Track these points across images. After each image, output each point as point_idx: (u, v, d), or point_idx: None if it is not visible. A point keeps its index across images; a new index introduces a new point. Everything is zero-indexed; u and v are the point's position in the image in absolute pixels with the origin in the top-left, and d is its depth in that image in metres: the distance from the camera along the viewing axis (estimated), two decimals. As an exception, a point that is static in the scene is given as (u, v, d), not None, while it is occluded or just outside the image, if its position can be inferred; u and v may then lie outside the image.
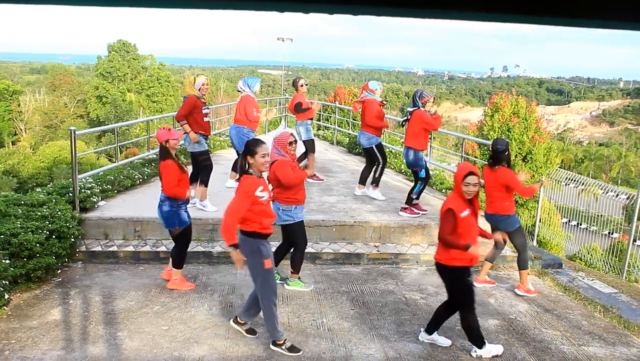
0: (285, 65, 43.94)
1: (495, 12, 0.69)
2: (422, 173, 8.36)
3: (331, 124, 17.37)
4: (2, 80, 61.09)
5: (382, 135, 8.99)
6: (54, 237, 6.63)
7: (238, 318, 5.37)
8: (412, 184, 8.61)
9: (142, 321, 5.59)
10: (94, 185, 8.31)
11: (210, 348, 5.11)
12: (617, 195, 12.95)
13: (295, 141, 6.13)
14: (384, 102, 8.95)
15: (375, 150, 8.87)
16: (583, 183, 13.77)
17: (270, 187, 5.57)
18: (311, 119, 10.12)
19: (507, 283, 7.17)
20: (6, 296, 5.76)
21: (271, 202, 5.37)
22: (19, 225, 6.38)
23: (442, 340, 5.36)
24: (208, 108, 8.05)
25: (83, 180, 8.31)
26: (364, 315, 5.93)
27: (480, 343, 5.11)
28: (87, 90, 65.78)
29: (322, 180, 10.42)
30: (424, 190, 8.60)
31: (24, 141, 55.48)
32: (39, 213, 6.81)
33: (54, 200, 7.38)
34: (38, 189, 8.44)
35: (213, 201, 8.13)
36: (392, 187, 10.31)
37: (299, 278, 6.61)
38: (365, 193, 9.32)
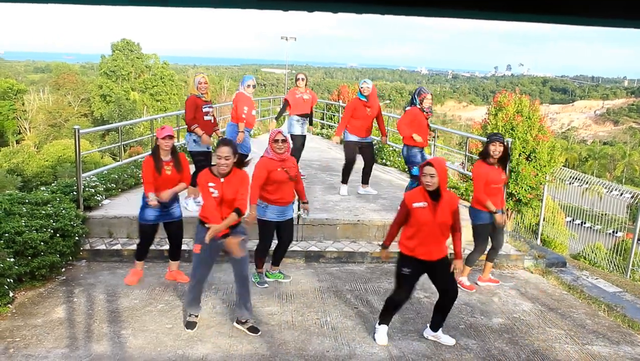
0: (288, 64, 43.94)
1: (499, 11, 0.69)
2: (415, 170, 8.35)
3: (334, 123, 17.36)
4: (7, 79, 61.21)
5: (362, 133, 8.74)
6: (58, 235, 6.65)
7: (239, 318, 5.43)
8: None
9: (146, 319, 5.60)
10: (98, 183, 8.33)
11: (214, 346, 5.12)
12: (622, 194, 12.94)
13: (284, 140, 6.02)
14: (364, 100, 8.66)
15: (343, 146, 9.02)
16: (587, 182, 13.76)
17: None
18: (300, 115, 9.78)
19: (511, 282, 7.16)
20: (11, 294, 5.79)
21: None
22: (24, 224, 6.40)
23: (445, 339, 5.35)
24: (210, 107, 7.97)
25: (87, 178, 8.33)
26: (367, 313, 5.93)
27: (381, 320, 5.33)
28: (91, 89, 65.86)
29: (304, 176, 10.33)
30: None
31: (28, 140, 55.54)
32: (44, 212, 6.83)
33: (58, 199, 7.41)
34: (42, 188, 8.46)
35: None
36: (396, 185, 10.31)
37: (258, 273, 6.64)
38: (368, 192, 9.33)
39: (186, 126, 7.90)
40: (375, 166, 11.75)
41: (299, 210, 7.16)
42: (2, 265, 5.62)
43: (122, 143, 10.41)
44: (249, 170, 5.48)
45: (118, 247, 7.37)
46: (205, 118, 7.82)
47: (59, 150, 40.56)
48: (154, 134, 9.92)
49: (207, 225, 5.08)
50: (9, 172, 36.01)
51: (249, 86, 8.74)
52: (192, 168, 7.87)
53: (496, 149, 6.31)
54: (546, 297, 6.75)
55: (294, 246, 7.59)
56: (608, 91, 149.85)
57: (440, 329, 5.38)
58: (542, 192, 14.05)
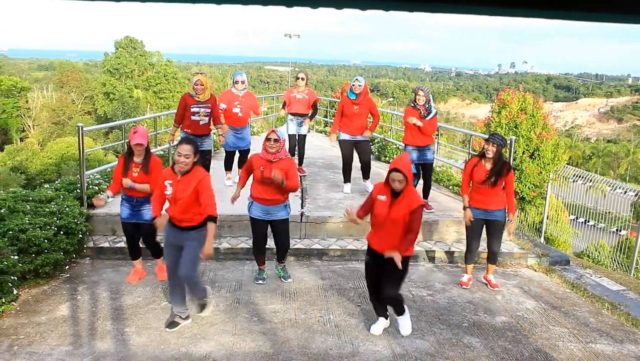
0: (292, 62, 43.98)
1: (502, 6, 0.68)
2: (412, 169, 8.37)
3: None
4: (10, 77, 61.34)
5: (352, 131, 8.71)
6: (62, 233, 6.66)
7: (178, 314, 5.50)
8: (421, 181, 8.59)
9: (150, 317, 5.61)
10: (101, 181, 8.35)
11: (218, 344, 5.13)
12: (625, 192, 12.91)
13: (276, 139, 5.99)
14: (352, 98, 8.56)
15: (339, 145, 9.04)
16: (591, 180, 13.73)
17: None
18: (294, 114, 9.77)
19: (515, 280, 7.15)
20: (15, 291, 5.80)
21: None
22: (27, 221, 6.41)
23: (402, 323, 5.46)
24: (203, 107, 7.92)
25: (91, 176, 8.35)
26: (370, 311, 5.92)
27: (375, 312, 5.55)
28: (95, 87, 66.00)
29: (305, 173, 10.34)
30: (430, 187, 8.58)
31: (32, 137, 55.71)
32: (47, 210, 6.85)
33: (61, 196, 7.42)
34: (46, 185, 8.48)
35: (219, 198, 8.13)
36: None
37: (259, 269, 6.70)
38: (367, 187, 9.32)
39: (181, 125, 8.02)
40: (378, 164, 11.79)
41: (301, 207, 7.17)
42: (6, 263, 5.63)
43: (126, 141, 10.39)
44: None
45: (121, 244, 7.37)
46: (193, 118, 7.84)
47: (62, 147, 40.68)
48: (159, 132, 9.93)
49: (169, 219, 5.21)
50: (13, 169, 36.15)
51: (236, 82, 8.75)
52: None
53: (489, 148, 6.32)
54: (549, 295, 6.74)
55: (297, 244, 7.60)
56: (612, 89, 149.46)
57: (398, 318, 5.46)
58: (545, 190, 14.05)
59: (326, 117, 18.94)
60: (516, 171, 13.91)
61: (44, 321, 5.43)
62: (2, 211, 6.55)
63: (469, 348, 5.26)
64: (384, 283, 5.15)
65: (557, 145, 18.18)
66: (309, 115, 9.97)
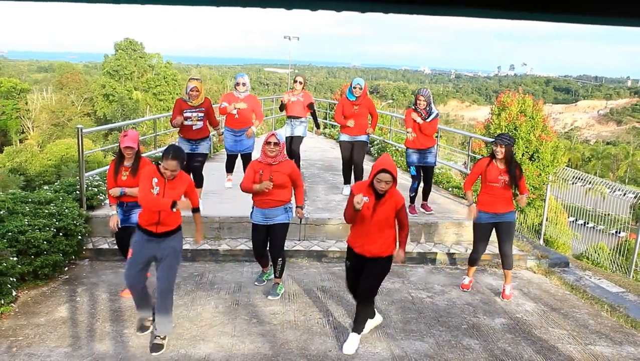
0: (292, 64, 44.00)
1: (502, 9, 0.69)
2: (411, 171, 8.44)
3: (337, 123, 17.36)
4: (10, 78, 61.37)
5: (351, 131, 8.70)
6: (61, 234, 6.66)
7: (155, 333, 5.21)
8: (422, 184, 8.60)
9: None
10: (100, 183, 8.35)
11: (217, 345, 5.12)
12: (625, 194, 12.90)
13: (276, 143, 5.92)
14: (352, 99, 8.53)
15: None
16: (590, 182, 13.74)
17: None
18: (291, 117, 9.69)
19: (514, 282, 7.14)
20: (14, 293, 5.80)
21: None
22: (27, 223, 6.41)
23: (347, 344, 5.23)
24: (193, 112, 7.80)
25: (90, 177, 8.34)
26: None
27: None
28: (94, 89, 65.97)
29: None
30: (431, 189, 8.58)
31: (31, 139, 55.69)
32: (47, 211, 6.85)
33: (61, 198, 7.42)
34: (45, 187, 8.47)
35: (219, 199, 8.14)
36: (399, 186, 10.29)
37: (263, 272, 6.67)
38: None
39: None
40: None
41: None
42: (5, 264, 5.63)
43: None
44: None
45: (121, 246, 7.38)
46: (185, 123, 7.73)
47: (62, 149, 40.68)
48: (159, 133, 9.94)
49: (142, 228, 5.00)
50: (12, 171, 36.14)
51: (237, 84, 8.71)
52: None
53: (497, 150, 6.30)
54: (549, 297, 6.74)
55: (297, 245, 7.60)
56: (611, 91, 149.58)
57: (350, 334, 5.25)
58: (545, 192, 14.05)
59: (325, 119, 18.95)
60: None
61: (43, 323, 5.43)
62: (1, 212, 6.54)
63: (468, 350, 5.26)
64: (363, 277, 5.09)
65: (557, 147, 18.22)
66: (308, 118, 9.96)
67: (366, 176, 9.20)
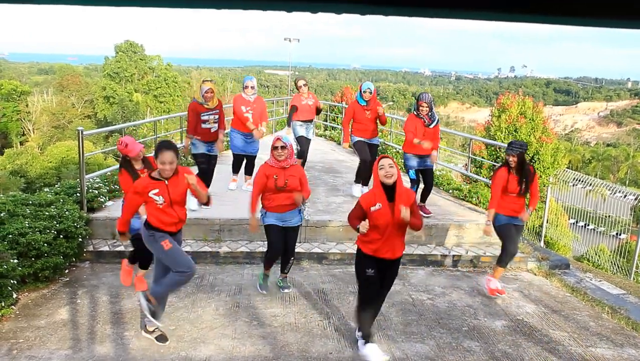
0: (292, 66, 44.02)
1: (502, 12, 0.69)
2: (410, 174, 8.41)
3: (337, 124, 17.36)
4: (10, 80, 61.41)
5: (365, 134, 8.67)
6: (61, 236, 6.66)
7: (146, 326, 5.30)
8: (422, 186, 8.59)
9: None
10: (101, 185, 8.36)
11: (217, 348, 5.12)
12: (625, 196, 12.89)
13: (283, 146, 5.89)
14: (363, 104, 8.51)
15: (353, 148, 9.00)
16: (591, 184, 13.73)
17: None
18: (303, 120, 9.65)
19: (514, 283, 7.15)
20: (14, 295, 5.79)
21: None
22: (27, 225, 6.41)
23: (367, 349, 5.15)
24: (212, 114, 7.88)
25: (90, 180, 8.34)
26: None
27: (365, 339, 5.09)
28: (95, 91, 66.04)
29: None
30: (431, 192, 8.58)
31: (32, 141, 55.72)
32: (47, 213, 6.84)
33: (61, 200, 7.42)
34: (46, 189, 8.48)
35: (219, 201, 8.14)
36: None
37: (264, 274, 6.48)
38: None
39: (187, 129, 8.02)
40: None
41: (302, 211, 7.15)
42: (5, 267, 5.63)
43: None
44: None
45: (121, 248, 7.37)
46: (203, 126, 7.82)
47: (62, 151, 40.71)
48: (159, 135, 9.94)
49: (163, 230, 4.98)
50: (13, 173, 36.17)
51: (246, 87, 8.72)
52: (194, 170, 7.91)
53: (510, 160, 6.33)
54: (549, 299, 6.73)
55: (297, 248, 7.58)
56: (612, 93, 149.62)
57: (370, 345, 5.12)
58: (545, 194, 14.02)
59: (326, 121, 18.95)
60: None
61: (44, 325, 5.43)
62: (1, 215, 6.54)
63: (468, 352, 5.25)
64: (387, 282, 5.07)
65: (557, 149, 18.21)
66: (317, 115, 10.00)
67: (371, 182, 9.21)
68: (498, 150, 16.24)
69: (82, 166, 7.79)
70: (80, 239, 7.02)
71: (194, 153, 8.06)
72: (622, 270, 11.69)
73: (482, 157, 15.76)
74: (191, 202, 7.66)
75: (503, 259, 6.69)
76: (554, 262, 7.95)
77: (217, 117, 7.95)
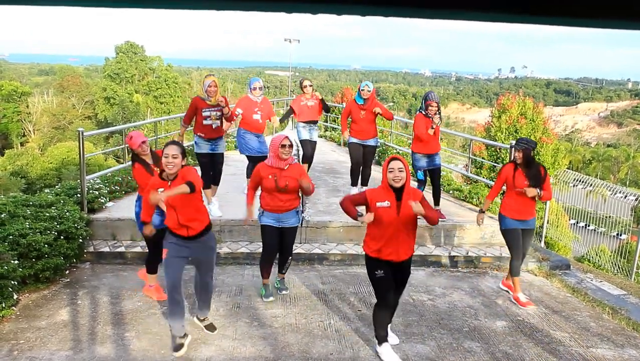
0: (292, 67, 43.99)
1: (501, 12, 0.69)
2: (419, 175, 8.40)
3: (338, 125, 17.37)
4: (11, 81, 61.43)
5: (360, 135, 8.67)
6: (62, 237, 6.66)
7: (198, 316, 5.57)
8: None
9: (150, 322, 5.61)
10: (101, 186, 8.35)
11: (218, 348, 5.12)
12: (626, 197, 12.89)
13: (290, 145, 5.87)
14: (360, 103, 8.51)
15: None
16: (591, 185, 13.72)
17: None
18: (306, 122, 9.57)
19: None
20: (15, 296, 5.80)
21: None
22: (28, 226, 6.41)
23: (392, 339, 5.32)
24: (215, 110, 7.76)
25: (91, 181, 8.35)
26: (371, 316, 5.92)
27: (379, 340, 5.12)
28: (95, 92, 66.01)
29: None
30: (440, 194, 8.58)
31: (32, 142, 55.72)
32: (48, 214, 6.85)
33: (62, 201, 7.42)
34: (46, 190, 8.48)
35: (220, 202, 8.14)
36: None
37: (263, 285, 6.39)
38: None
39: (193, 127, 7.94)
40: (378, 168, 11.76)
41: (302, 212, 7.15)
42: (6, 268, 5.63)
43: (126, 145, 10.38)
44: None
45: (122, 249, 7.38)
46: (205, 122, 7.68)
47: (63, 152, 40.69)
48: (160, 136, 9.94)
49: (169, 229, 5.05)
50: (13, 174, 36.15)
51: (254, 89, 8.65)
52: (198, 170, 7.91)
53: (516, 155, 6.30)
54: (550, 300, 6.73)
55: (298, 248, 7.59)
56: (612, 93, 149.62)
57: (386, 345, 5.15)
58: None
59: (326, 122, 18.95)
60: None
61: (44, 326, 5.43)
62: (2, 216, 6.55)
63: (469, 353, 5.25)
64: (399, 284, 5.06)
65: (557, 149, 18.23)
66: (326, 112, 9.95)
67: (372, 183, 9.22)
68: (498, 150, 16.25)
69: (83, 167, 7.79)
70: (80, 240, 7.02)
71: (196, 152, 7.94)
72: (622, 270, 11.68)
73: (483, 158, 15.77)
74: (213, 208, 7.66)
75: (513, 269, 6.57)
76: (555, 262, 7.94)
77: (219, 113, 7.76)
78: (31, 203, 7.15)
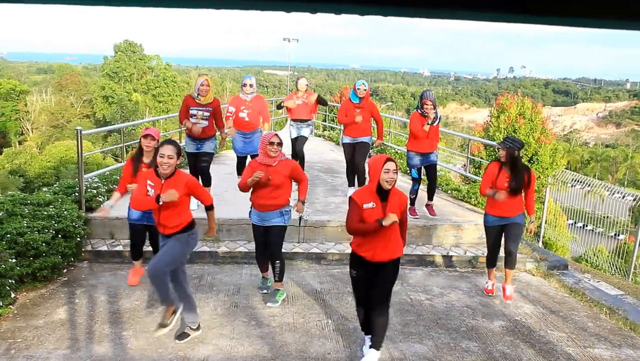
0: (291, 66, 43.98)
1: (502, 13, 0.69)
2: (413, 173, 8.43)
3: (336, 124, 17.37)
4: (9, 80, 61.37)
5: (353, 133, 8.68)
6: (60, 236, 6.65)
7: (189, 326, 5.35)
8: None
9: (148, 320, 5.60)
10: (99, 184, 8.35)
11: (215, 348, 5.12)
12: (624, 197, 12.92)
13: (279, 143, 5.79)
14: (355, 102, 8.54)
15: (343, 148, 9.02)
16: (589, 185, 13.73)
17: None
18: (297, 120, 9.61)
19: (513, 284, 7.14)
20: (12, 295, 5.79)
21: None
22: (26, 225, 6.41)
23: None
24: (200, 110, 7.70)
25: (89, 179, 8.34)
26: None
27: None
28: (94, 90, 65.95)
29: None
30: (435, 189, 8.58)
31: (30, 141, 55.64)
32: (45, 213, 6.84)
33: (60, 200, 7.41)
34: (44, 189, 8.48)
35: (218, 201, 8.13)
36: (398, 187, 10.29)
37: (264, 277, 6.46)
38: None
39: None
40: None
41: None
42: (3, 266, 5.63)
43: (124, 144, 10.35)
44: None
45: (119, 248, 7.37)
46: (191, 120, 7.67)
47: (61, 151, 40.66)
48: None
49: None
50: (12, 172, 36.14)
51: (244, 85, 8.64)
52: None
53: (500, 153, 6.29)
54: (548, 300, 6.74)
55: (296, 248, 7.60)
56: (610, 93, 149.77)
57: (370, 351, 4.98)
58: (544, 195, 14.03)
59: (325, 121, 18.95)
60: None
61: (42, 325, 5.42)
62: (0, 214, 6.54)
63: (467, 353, 5.25)
64: (377, 285, 4.88)
65: (556, 149, 18.22)
66: (312, 121, 9.94)
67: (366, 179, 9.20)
68: (497, 150, 16.24)
69: (81, 166, 7.78)
70: (78, 239, 7.01)
71: (186, 151, 7.96)
72: (620, 270, 11.70)
73: (481, 158, 15.76)
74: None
75: (487, 260, 6.87)
76: (552, 262, 7.95)
77: (207, 114, 7.71)
78: (29, 201, 7.15)
